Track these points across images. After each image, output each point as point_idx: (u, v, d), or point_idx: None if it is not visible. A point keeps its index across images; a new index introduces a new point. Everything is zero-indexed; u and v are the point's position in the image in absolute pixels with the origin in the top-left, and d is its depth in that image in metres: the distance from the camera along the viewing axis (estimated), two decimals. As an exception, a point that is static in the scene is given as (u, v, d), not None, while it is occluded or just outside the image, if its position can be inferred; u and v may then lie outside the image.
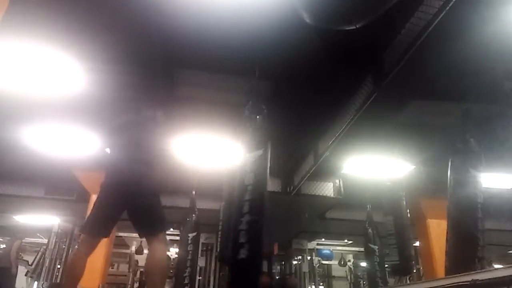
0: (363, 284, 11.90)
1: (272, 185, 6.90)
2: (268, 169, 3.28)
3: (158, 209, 2.87)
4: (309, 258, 10.50)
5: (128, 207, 2.80)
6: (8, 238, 9.33)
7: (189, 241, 6.46)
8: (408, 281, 6.31)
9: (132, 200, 2.74)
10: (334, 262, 12.16)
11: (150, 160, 2.96)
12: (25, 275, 9.00)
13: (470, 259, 3.53)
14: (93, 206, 2.86)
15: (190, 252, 6.43)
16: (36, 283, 8.65)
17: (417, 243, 8.07)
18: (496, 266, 7.83)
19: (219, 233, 5.57)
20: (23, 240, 10.52)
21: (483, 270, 2.51)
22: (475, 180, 3.82)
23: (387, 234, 5.98)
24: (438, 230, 7.43)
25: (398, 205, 6.05)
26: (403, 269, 5.83)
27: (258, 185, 3.13)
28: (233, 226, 3.07)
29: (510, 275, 2.22)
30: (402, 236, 5.85)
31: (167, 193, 7.90)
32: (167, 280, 11.78)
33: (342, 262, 12.05)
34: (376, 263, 6.58)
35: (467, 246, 3.64)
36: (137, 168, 2.83)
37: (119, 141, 3.02)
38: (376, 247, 6.66)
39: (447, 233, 3.87)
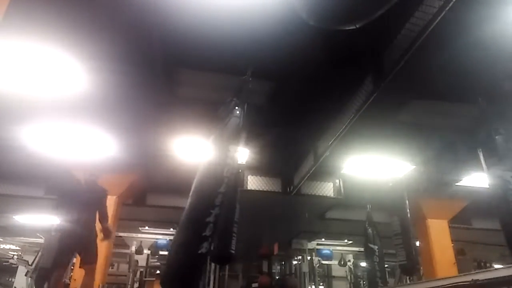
0: (363, 284, 11.90)
1: (272, 185, 6.90)
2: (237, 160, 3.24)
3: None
4: (309, 258, 10.51)
5: None
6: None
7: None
8: (408, 281, 6.32)
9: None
10: (334, 262, 12.15)
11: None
12: (25, 275, 8.99)
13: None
14: None
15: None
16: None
17: (417, 243, 8.08)
18: (496, 266, 7.84)
19: None
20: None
21: (483, 270, 2.50)
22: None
23: (393, 234, 5.97)
24: (438, 230, 7.45)
25: (402, 205, 6.06)
26: (410, 268, 5.85)
27: (231, 178, 3.05)
28: (199, 215, 2.86)
29: (510, 275, 2.22)
30: (408, 236, 5.86)
31: (167, 193, 7.91)
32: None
33: (342, 262, 12.04)
34: (376, 263, 6.58)
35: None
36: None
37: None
38: (376, 247, 6.66)
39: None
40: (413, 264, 5.80)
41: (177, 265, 2.75)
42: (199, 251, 2.66)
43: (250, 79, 3.48)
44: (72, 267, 8.08)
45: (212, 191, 2.92)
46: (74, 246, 4.38)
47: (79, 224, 4.33)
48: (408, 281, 6.92)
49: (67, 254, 4.41)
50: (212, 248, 2.76)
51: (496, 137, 3.72)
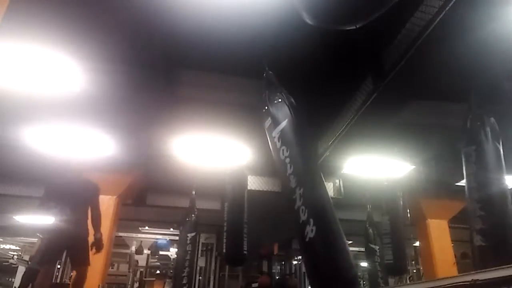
0: (363, 284, 11.90)
1: (272, 185, 6.90)
2: (304, 136, 3.03)
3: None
4: (309, 258, 10.48)
5: None
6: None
7: (188, 241, 6.46)
8: (408, 281, 6.32)
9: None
10: (334, 262, 12.13)
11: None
12: (25, 275, 8.99)
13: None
14: None
15: (189, 252, 6.44)
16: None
17: (417, 243, 8.08)
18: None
19: (225, 234, 5.52)
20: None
21: (483, 270, 2.50)
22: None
23: (383, 233, 5.98)
24: (438, 230, 7.44)
25: (394, 205, 6.06)
26: (396, 268, 5.84)
27: (295, 156, 2.86)
28: (288, 207, 2.74)
29: (510, 275, 2.21)
30: (397, 236, 5.86)
31: (167, 193, 7.91)
32: (167, 280, 11.81)
33: (342, 262, 12.02)
34: (376, 263, 6.59)
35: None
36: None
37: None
38: (376, 247, 6.67)
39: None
40: (400, 265, 5.78)
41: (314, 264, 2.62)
42: (306, 240, 2.54)
43: (271, 72, 3.43)
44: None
45: (282, 178, 2.90)
46: (60, 246, 4.14)
47: (66, 222, 4.09)
48: (408, 281, 6.92)
49: (52, 253, 4.16)
50: (321, 228, 2.55)
51: (483, 136, 3.71)
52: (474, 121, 3.75)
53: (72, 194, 4.29)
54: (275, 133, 3.04)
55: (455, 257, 7.40)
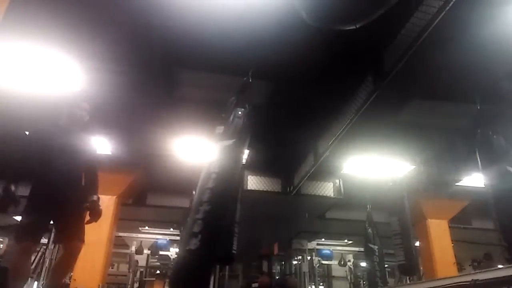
0: (363, 284, 11.90)
1: (272, 185, 6.90)
2: (239, 161, 3.21)
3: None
4: (309, 258, 10.50)
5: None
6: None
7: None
8: (408, 281, 6.32)
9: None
10: (334, 262, 12.15)
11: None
12: (25, 275, 8.96)
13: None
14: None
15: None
16: (36, 283, 8.63)
17: (417, 243, 8.09)
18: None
19: None
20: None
21: (483, 270, 2.50)
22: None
23: (393, 234, 5.97)
24: (438, 230, 7.45)
25: (402, 205, 6.07)
26: (409, 268, 5.84)
27: (223, 174, 2.99)
28: (191, 214, 2.90)
29: (510, 275, 2.22)
30: (407, 236, 5.87)
31: (167, 193, 7.91)
32: (167, 280, 11.78)
33: (342, 262, 12.04)
34: (376, 263, 6.58)
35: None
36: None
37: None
38: (376, 247, 6.66)
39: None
40: (412, 265, 5.80)
41: (174, 264, 2.81)
42: (187, 248, 2.68)
43: (251, 80, 3.49)
44: (72, 267, 8.04)
45: (201, 188, 2.97)
46: (46, 216, 3.09)
47: (53, 185, 3.18)
48: (408, 281, 6.92)
49: (35, 225, 3.06)
50: (205, 244, 2.72)
51: (494, 136, 3.76)
52: (482, 147, 3.87)
53: (65, 144, 3.46)
54: (220, 144, 3.16)
55: (454, 257, 7.40)
